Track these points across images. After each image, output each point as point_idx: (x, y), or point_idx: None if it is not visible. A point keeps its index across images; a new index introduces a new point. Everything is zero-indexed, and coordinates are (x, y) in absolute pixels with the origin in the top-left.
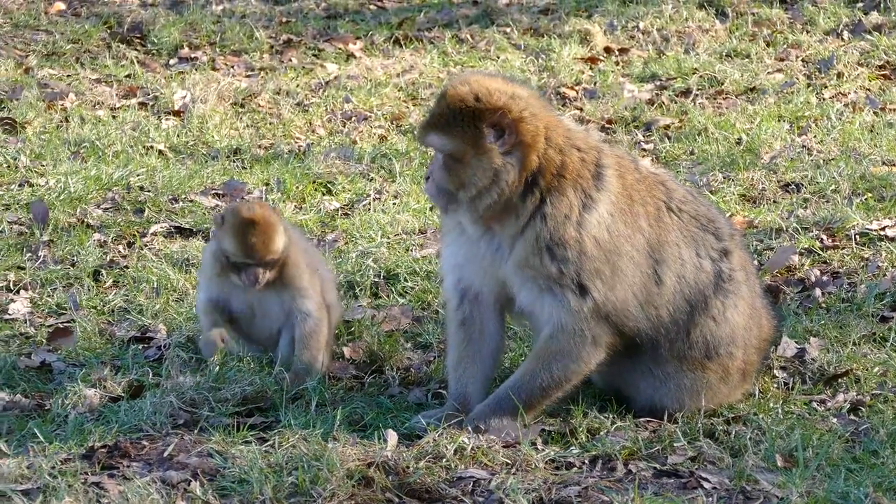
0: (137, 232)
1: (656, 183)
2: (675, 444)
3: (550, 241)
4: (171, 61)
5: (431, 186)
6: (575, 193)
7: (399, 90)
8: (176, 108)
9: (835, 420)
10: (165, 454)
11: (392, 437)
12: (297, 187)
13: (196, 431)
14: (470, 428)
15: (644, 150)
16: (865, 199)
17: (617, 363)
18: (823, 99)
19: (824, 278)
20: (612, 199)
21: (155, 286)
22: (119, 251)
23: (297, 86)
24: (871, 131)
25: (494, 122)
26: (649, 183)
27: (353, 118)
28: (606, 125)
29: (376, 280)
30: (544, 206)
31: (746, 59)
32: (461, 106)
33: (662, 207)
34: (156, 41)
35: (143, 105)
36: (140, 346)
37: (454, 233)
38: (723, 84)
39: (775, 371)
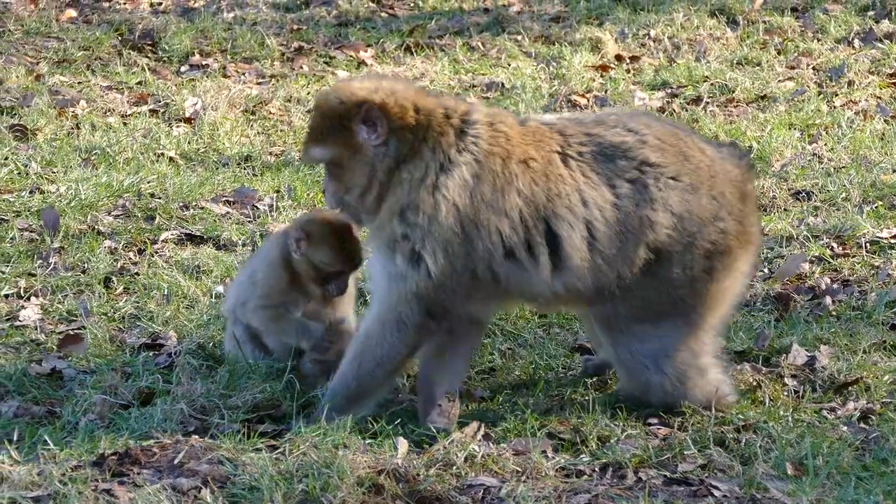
0: (148, 239)
1: (550, 133)
2: (685, 452)
3: (405, 205)
4: (182, 68)
5: (328, 200)
6: (433, 156)
7: None
8: (187, 115)
9: (845, 428)
10: (176, 461)
11: (402, 444)
12: (308, 194)
13: (207, 438)
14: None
15: None
16: (876, 208)
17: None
18: (834, 107)
19: (835, 286)
20: (477, 160)
21: (165, 293)
22: (130, 258)
23: (308, 93)
24: (882, 139)
25: (363, 117)
26: (539, 136)
27: None
28: None
29: None
30: (402, 173)
31: (757, 67)
32: (329, 113)
33: (555, 159)
34: (167, 48)
35: (153, 112)
36: (150, 353)
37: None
38: (734, 92)
39: (786, 379)
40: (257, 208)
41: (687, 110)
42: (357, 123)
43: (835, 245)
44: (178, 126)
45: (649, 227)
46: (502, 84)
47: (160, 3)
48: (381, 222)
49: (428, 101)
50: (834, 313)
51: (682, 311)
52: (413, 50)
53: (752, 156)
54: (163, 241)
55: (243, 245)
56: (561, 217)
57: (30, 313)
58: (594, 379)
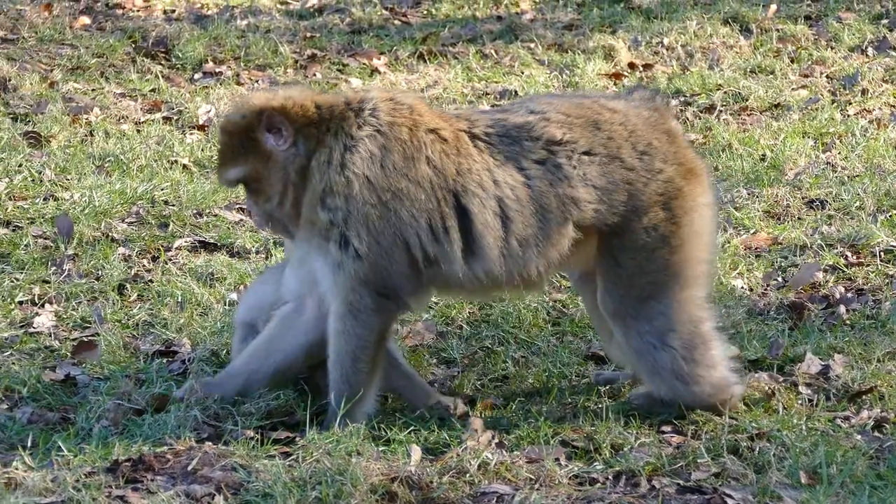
0: (162, 246)
1: (454, 117)
2: (698, 461)
3: (322, 191)
4: (196, 76)
5: (255, 220)
6: (336, 139)
7: None
8: (200, 122)
9: (859, 437)
10: (189, 468)
11: (416, 452)
12: None
13: (220, 445)
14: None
15: None
16: (890, 216)
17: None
18: (848, 115)
19: (849, 295)
20: (380, 131)
21: (179, 300)
22: (143, 265)
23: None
24: None
25: (266, 125)
26: (444, 116)
27: None
28: None
29: None
30: (311, 164)
31: (771, 76)
32: (233, 130)
33: (463, 136)
34: (180, 56)
35: (167, 119)
36: (164, 360)
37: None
38: (747, 100)
39: (800, 388)
40: None
41: (700, 118)
42: (262, 132)
43: (849, 254)
44: (191, 133)
45: (573, 205)
46: (515, 92)
47: (174, 11)
48: (306, 218)
49: (327, 98)
50: (848, 322)
51: (669, 272)
52: (426, 57)
53: (661, 91)
54: (176, 248)
55: (257, 252)
56: (471, 192)
57: (44, 320)
58: (607, 387)
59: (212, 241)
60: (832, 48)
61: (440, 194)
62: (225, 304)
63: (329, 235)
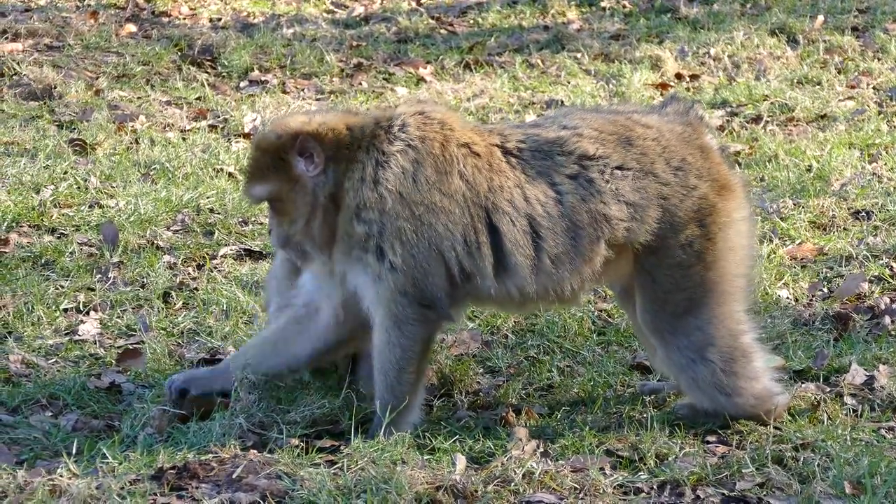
0: (207, 254)
1: (488, 132)
2: (743, 471)
3: (357, 206)
4: (242, 84)
5: (274, 239)
6: (368, 155)
7: (469, 114)
8: (246, 130)
9: None
10: (234, 476)
11: (461, 460)
12: None
13: (265, 453)
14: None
15: None
16: None
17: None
18: (894, 126)
19: (894, 306)
20: (411, 146)
21: (224, 308)
22: (189, 273)
23: (367, 109)
24: None
25: (298, 149)
26: (477, 130)
27: None
28: None
29: None
30: (346, 182)
31: (817, 87)
32: (266, 148)
33: (496, 151)
34: (226, 64)
35: (213, 127)
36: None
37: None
38: (794, 111)
39: (844, 398)
40: None
41: (747, 129)
42: (294, 156)
43: (894, 265)
44: (237, 141)
45: (605, 223)
46: (562, 102)
47: (220, 19)
48: (343, 232)
49: (358, 119)
50: (893, 333)
51: (707, 289)
52: (472, 67)
53: (697, 104)
54: (222, 256)
55: None
56: (502, 211)
57: (89, 328)
58: (652, 397)
59: (257, 249)
60: (879, 59)
61: (473, 210)
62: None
63: (367, 247)
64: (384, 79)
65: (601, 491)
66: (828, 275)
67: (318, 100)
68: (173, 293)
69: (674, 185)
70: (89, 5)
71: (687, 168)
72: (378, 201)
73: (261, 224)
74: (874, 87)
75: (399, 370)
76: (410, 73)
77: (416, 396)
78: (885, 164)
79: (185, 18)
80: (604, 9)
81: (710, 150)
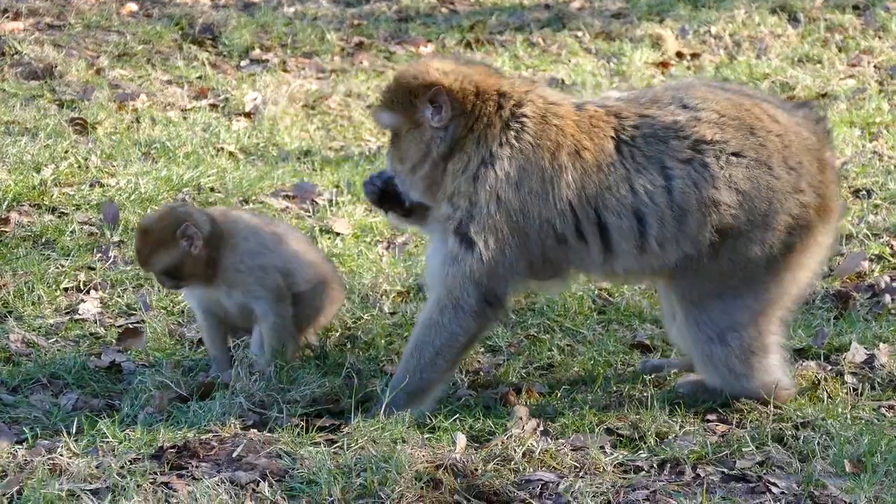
0: None
1: (606, 117)
2: (743, 449)
3: (452, 192)
4: (243, 63)
5: (388, 163)
6: (476, 149)
7: None
8: (247, 109)
9: None
10: (234, 455)
11: (461, 439)
12: None
13: (265, 432)
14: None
15: None
16: None
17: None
18: (895, 105)
19: (894, 284)
20: (522, 152)
21: None
22: None
23: (368, 88)
24: None
25: (430, 97)
26: (595, 121)
27: None
28: None
29: None
30: (448, 165)
31: (818, 65)
32: (402, 84)
33: (608, 147)
34: (227, 43)
35: (213, 106)
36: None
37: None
38: (794, 89)
39: (845, 377)
40: (317, 203)
41: None
42: (424, 102)
43: (894, 243)
44: (237, 120)
45: (713, 207)
46: (562, 80)
47: None
48: (435, 206)
49: (489, 83)
50: (893, 311)
51: (755, 288)
52: (473, 46)
53: (827, 119)
54: None
55: None
56: (610, 209)
57: (89, 307)
58: (652, 375)
59: None
60: (880, 38)
61: (579, 212)
62: None
63: (451, 229)
64: (385, 58)
65: (601, 469)
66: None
67: (318, 79)
68: None
69: (784, 182)
70: None
71: (802, 171)
72: (472, 194)
73: (261, 203)
74: (875, 66)
75: (436, 354)
76: (411, 51)
77: (438, 386)
78: (886, 142)
79: None
80: None
81: (828, 166)
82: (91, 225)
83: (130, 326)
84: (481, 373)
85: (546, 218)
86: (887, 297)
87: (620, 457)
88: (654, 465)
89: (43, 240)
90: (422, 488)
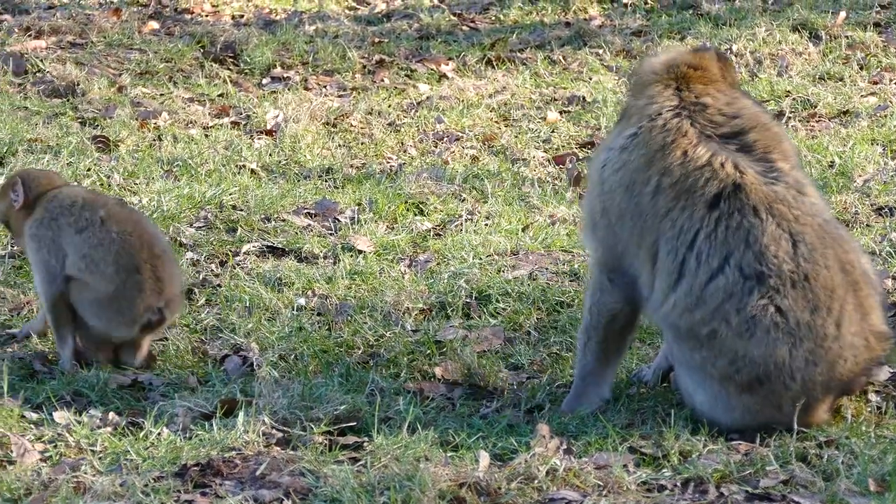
0: (230, 251)
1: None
2: (767, 468)
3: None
4: (264, 81)
5: None
6: (615, 129)
7: (491, 111)
8: (268, 127)
9: None
10: (258, 473)
11: (484, 457)
12: (389, 207)
13: (288, 450)
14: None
15: None
16: None
17: None
18: None
19: None
20: (646, 150)
21: (247, 305)
22: (212, 270)
23: (389, 106)
24: None
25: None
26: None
27: (445, 139)
28: None
29: (468, 301)
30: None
31: (840, 83)
32: (648, 71)
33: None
34: (248, 60)
35: (235, 124)
36: (233, 365)
37: None
38: (816, 107)
39: (869, 395)
40: (339, 221)
41: None
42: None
43: None
44: (259, 138)
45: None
46: (583, 98)
47: (242, 16)
48: None
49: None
50: None
51: None
52: (494, 63)
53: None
54: (244, 253)
55: (324, 258)
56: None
57: None
58: (669, 388)
59: (280, 246)
60: None
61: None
62: (293, 310)
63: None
64: (406, 75)
65: (625, 488)
66: None
67: (339, 96)
68: (196, 290)
69: None
70: (112, 2)
71: None
72: (593, 176)
73: (283, 221)
74: None
75: (586, 335)
76: (432, 69)
77: (605, 370)
78: None
79: (207, 15)
80: (625, 5)
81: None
82: None
83: (154, 344)
84: (505, 392)
85: (659, 212)
86: None
87: (644, 476)
88: (678, 484)
89: None
90: None
